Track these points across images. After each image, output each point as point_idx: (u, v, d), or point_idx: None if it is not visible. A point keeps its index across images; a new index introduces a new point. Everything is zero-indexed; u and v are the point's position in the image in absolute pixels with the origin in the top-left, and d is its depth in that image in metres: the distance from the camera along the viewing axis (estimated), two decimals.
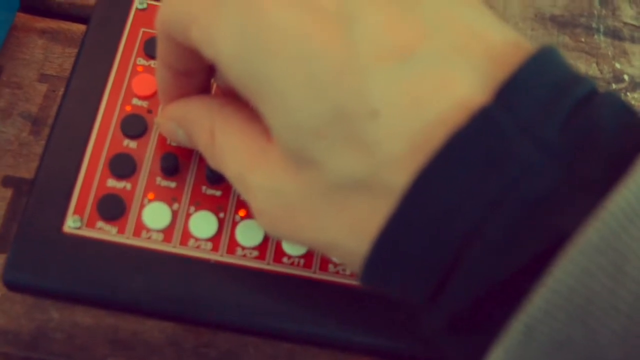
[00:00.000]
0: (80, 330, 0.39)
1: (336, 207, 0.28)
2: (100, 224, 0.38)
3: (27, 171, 0.42)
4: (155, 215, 0.38)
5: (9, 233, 0.41)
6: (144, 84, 0.41)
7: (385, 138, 0.26)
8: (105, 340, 0.39)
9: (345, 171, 0.27)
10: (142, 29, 0.42)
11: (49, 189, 0.38)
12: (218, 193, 0.39)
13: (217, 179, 0.39)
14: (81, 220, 0.37)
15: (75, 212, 0.38)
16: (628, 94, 0.54)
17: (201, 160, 0.39)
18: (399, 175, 0.26)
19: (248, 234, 0.38)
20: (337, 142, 0.26)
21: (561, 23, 0.55)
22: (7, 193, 0.42)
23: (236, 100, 0.33)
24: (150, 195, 0.38)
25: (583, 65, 0.54)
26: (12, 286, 0.37)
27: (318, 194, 0.28)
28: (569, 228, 0.23)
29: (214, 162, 0.33)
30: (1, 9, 0.45)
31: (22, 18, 0.48)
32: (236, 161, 0.31)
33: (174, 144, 0.38)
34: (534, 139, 0.24)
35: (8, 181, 0.42)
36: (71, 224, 0.37)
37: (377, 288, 0.29)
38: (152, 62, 0.42)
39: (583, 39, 0.55)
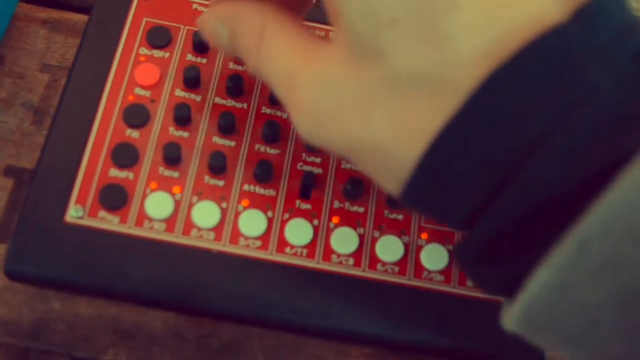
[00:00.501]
0: (81, 320, 0.39)
1: (392, 105, 0.27)
2: (102, 213, 0.37)
3: (28, 161, 0.42)
4: (158, 205, 0.38)
5: (10, 223, 0.40)
6: (146, 73, 0.41)
7: (460, 35, 0.25)
8: (107, 330, 0.39)
9: (412, 65, 0.26)
10: (145, 19, 0.42)
11: (50, 178, 0.38)
12: (221, 183, 0.39)
13: (221, 168, 0.39)
14: (83, 209, 0.37)
15: (77, 202, 0.37)
16: None
17: (204, 149, 0.39)
18: (468, 75, 0.25)
19: (251, 224, 0.38)
20: (410, 34, 0.25)
21: None
22: (9, 183, 0.42)
23: (287, 10, 0.32)
24: (153, 185, 0.38)
25: None
26: (13, 276, 0.37)
27: (376, 89, 0.27)
28: (634, 147, 0.23)
29: (257, 65, 0.32)
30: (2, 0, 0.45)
31: (24, 8, 0.47)
32: (286, 59, 0.30)
33: (214, 45, 0.36)
34: (606, 64, 0.25)
35: (9, 171, 0.42)
36: (73, 214, 0.37)
37: (414, 204, 0.28)
38: (154, 52, 0.41)
39: None
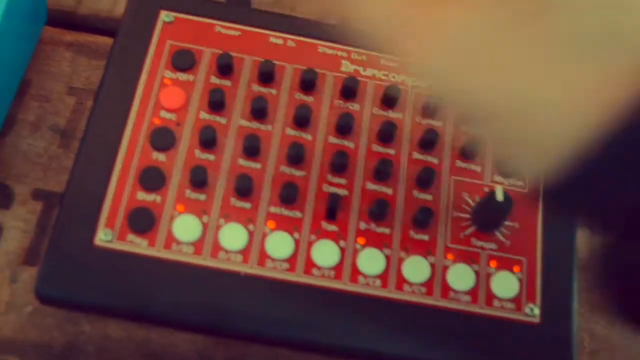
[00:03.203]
0: (111, 343, 0.39)
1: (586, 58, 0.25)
2: (131, 236, 0.38)
3: (56, 184, 0.42)
4: (186, 227, 0.38)
5: (39, 246, 0.41)
6: (171, 96, 0.41)
7: None
8: (136, 353, 0.39)
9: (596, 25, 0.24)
10: (169, 42, 0.43)
11: (79, 202, 0.38)
12: (247, 205, 0.39)
13: (247, 191, 0.39)
14: (112, 233, 0.38)
15: (106, 225, 0.38)
16: None
17: (230, 172, 0.40)
18: None
19: (278, 246, 0.38)
20: None
21: None
22: (37, 206, 0.42)
23: None
24: (180, 208, 0.39)
25: None
26: (44, 299, 0.37)
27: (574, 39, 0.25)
28: None
29: None
30: (29, 23, 0.45)
31: (50, 31, 0.48)
32: None
33: None
34: None
35: (38, 194, 0.42)
36: (102, 237, 0.37)
37: (572, 177, 0.25)
38: (179, 75, 0.42)
39: None
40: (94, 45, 0.48)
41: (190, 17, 0.44)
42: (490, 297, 0.39)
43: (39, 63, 0.46)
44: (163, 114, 0.41)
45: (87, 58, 0.47)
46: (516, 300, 0.39)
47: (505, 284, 0.39)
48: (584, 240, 0.46)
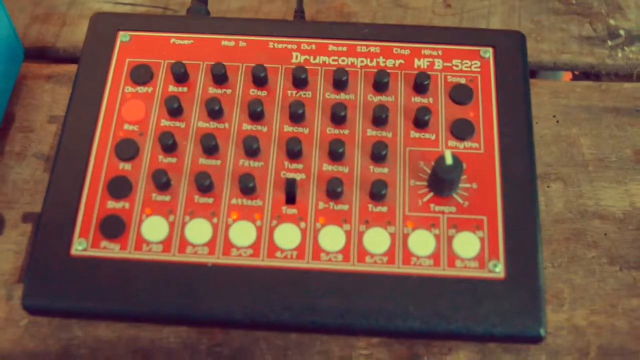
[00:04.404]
0: (102, 344, 0.42)
1: None
2: (104, 243, 0.40)
3: None
4: (153, 228, 0.41)
5: None
6: (133, 109, 0.44)
7: None
8: (127, 351, 0.42)
9: None
10: (128, 59, 0.45)
11: (54, 217, 0.41)
12: (210, 200, 0.41)
13: (208, 187, 0.41)
14: (87, 242, 0.40)
15: (80, 236, 0.40)
16: (625, 48, 0.53)
17: (191, 171, 0.42)
18: None
19: (240, 235, 0.40)
20: None
21: None
22: (27, 228, 0.45)
23: None
24: (148, 211, 0.41)
25: (576, 27, 0.54)
26: (32, 311, 0.40)
27: None
28: None
29: None
30: (6, 62, 0.49)
31: (30, 67, 0.51)
32: None
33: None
34: None
35: (27, 217, 0.46)
36: (78, 247, 0.40)
37: None
38: (139, 88, 0.44)
39: (574, 1, 0.55)
40: (72, 74, 0.51)
41: (146, 33, 0.46)
42: (452, 258, 0.40)
43: (21, 97, 0.50)
44: (126, 126, 0.43)
45: (66, 87, 0.51)
46: (479, 258, 0.40)
47: (466, 244, 0.40)
48: (559, 194, 0.47)
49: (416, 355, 0.42)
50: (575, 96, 0.50)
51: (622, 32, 0.54)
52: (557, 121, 0.49)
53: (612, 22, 0.54)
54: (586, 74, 0.53)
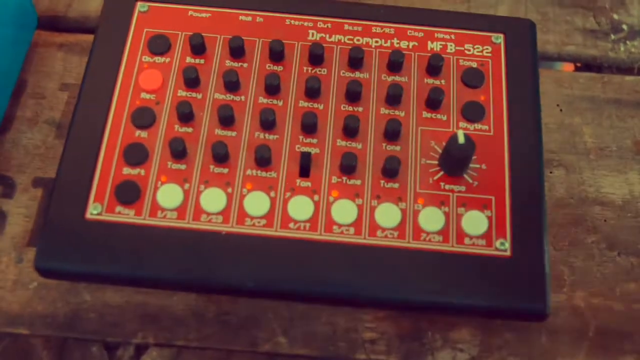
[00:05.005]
0: (110, 309, 0.42)
1: None
2: (119, 208, 0.41)
3: (54, 172, 0.46)
4: (169, 195, 0.41)
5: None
6: (150, 78, 0.44)
7: None
8: (135, 316, 0.42)
9: None
10: (146, 29, 0.46)
11: (70, 181, 0.41)
12: (225, 170, 0.42)
13: (224, 157, 0.41)
14: (101, 206, 0.41)
15: (95, 200, 0.41)
16: (627, 42, 0.54)
17: (207, 141, 0.42)
18: None
19: (255, 205, 0.41)
20: None
21: None
22: (38, 193, 0.46)
23: None
24: (163, 178, 0.41)
25: (580, 20, 0.55)
26: (44, 273, 0.40)
27: None
28: None
29: None
30: (18, 29, 0.49)
31: (43, 35, 0.52)
32: None
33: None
34: None
35: (38, 182, 0.46)
36: (93, 211, 0.40)
37: None
38: (156, 58, 0.45)
39: None
40: (85, 43, 0.51)
41: (164, 4, 0.47)
42: (461, 235, 0.41)
43: (33, 64, 0.50)
44: (143, 95, 0.44)
45: (78, 56, 0.51)
46: (486, 236, 0.41)
47: (475, 222, 0.41)
48: (561, 180, 0.48)
49: (420, 330, 0.43)
50: (579, 87, 0.52)
51: (624, 26, 0.55)
52: (561, 110, 0.51)
53: (615, 16, 0.55)
54: (588, 66, 0.54)
